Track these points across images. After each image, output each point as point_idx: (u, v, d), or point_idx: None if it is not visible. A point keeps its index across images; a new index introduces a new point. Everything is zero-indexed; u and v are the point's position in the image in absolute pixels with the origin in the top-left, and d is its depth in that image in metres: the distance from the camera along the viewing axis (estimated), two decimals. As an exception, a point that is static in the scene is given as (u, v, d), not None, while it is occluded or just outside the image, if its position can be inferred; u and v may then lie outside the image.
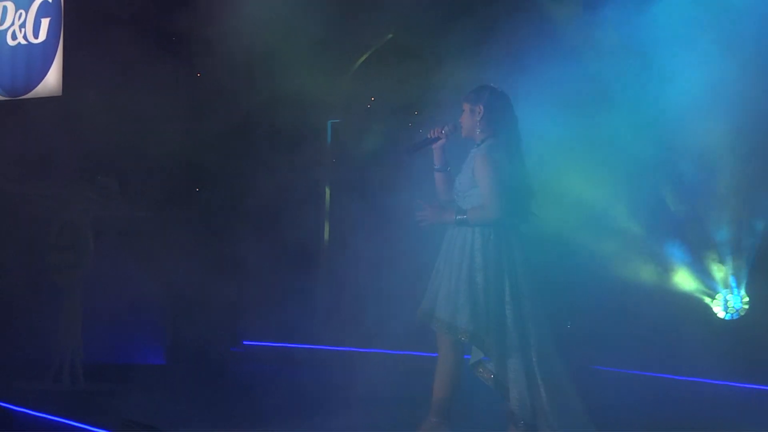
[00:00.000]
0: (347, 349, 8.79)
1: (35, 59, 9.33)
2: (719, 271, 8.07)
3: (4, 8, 9.53)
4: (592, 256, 7.82)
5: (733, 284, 8.04)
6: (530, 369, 4.84)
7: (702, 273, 8.10)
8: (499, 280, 4.88)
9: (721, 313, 8.10)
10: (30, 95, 9.30)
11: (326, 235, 9.61)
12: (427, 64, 8.53)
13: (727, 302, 8.08)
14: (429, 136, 5.11)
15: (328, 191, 9.68)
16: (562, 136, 7.38)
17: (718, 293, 8.10)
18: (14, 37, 9.45)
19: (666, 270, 8.15)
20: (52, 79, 9.21)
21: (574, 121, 7.37)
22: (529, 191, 5.05)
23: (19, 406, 6.40)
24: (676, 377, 7.64)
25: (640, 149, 7.58)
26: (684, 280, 8.13)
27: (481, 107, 5.00)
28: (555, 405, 4.83)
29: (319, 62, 8.45)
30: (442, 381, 4.98)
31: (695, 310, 8.07)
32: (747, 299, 8.07)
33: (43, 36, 9.30)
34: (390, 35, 9.21)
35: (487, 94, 5.03)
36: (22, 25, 9.38)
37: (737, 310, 8.06)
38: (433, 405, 5.00)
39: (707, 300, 8.13)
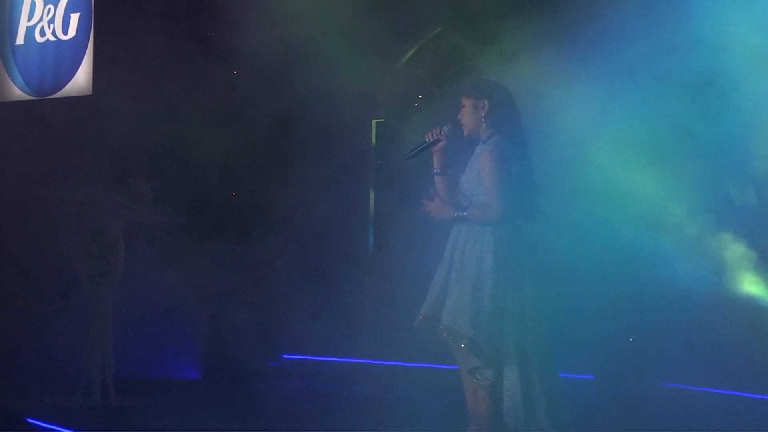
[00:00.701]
0: (394, 363, 8.72)
1: (64, 57, 9.38)
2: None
3: (32, 3, 9.59)
4: (655, 260, 7.70)
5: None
6: (530, 379, 4.81)
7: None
8: (506, 285, 4.85)
9: (800, 325, 7.91)
10: (59, 95, 9.36)
11: (371, 242, 9.56)
12: (478, 58, 8.45)
13: (807, 312, 7.89)
14: (427, 139, 5.06)
15: (372, 195, 9.62)
16: (620, 126, 7.32)
17: (796, 302, 7.91)
18: (43, 33, 9.50)
19: (738, 276, 7.97)
20: (81, 78, 9.25)
21: (635, 111, 7.28)
22: (536, 188, 5.04)
23: (47, 423, 6.41)
24: (752, 395, 7.48)
25: (707, 140, 7.44)
26: (758, 287, 7.94)
27: (486, 102, 4.95)
28: (552, 417, 4.80)
29: (363, 58, 8.37)
30: (471, 392, 4.94)
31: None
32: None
33: (72, 32, 9.34)
34: (438, 29, 9.14)
35: (491, 88, 5.01)
36: (51, 21, 9.43)
37: (818, 321, 7.87)
38: (470, 416, 4.98)
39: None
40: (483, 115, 4.94)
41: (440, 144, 5.04)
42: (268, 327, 9.10)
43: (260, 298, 8.93)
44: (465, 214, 4.90)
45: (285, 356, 9.30)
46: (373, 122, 9.63)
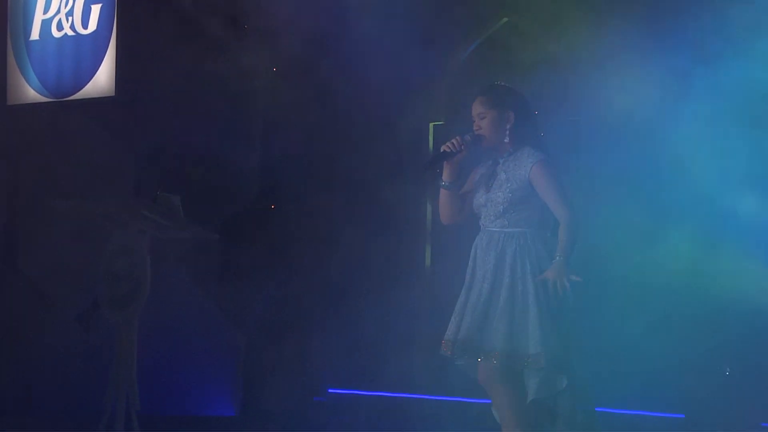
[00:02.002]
0: (454, 399, 8.65)
1: (84, 53, 9.42)
2: None
3: (49, -7, 9.66)
4: (755, 278, 7.55)
5: None
6: (565, 402, 5.10)
7: None
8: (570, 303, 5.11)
9: None
10: (78, 96, 9.41)
11: (428, 261, 9.49)
12: (550, 53, 8.37)
13: None
14: (447, 149, 5.26)
15: (429, 209, 9.55)
16: (711, 123, 7.29)
17: None
18: (60, 27, 9.55)
19: None
20: (103, 77, 9.29)
21: (728, 102, 7.20)
22: None
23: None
24: None
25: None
26: None
27: (512, 114, 5.20)
28: None
29: (419, 53, 8.39)
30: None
31: None
32: None
33: (93, 26, 9.39)
34: (505, 19, 9.07)
35: (515, 97, 5.26)
36: (70, 13, 9.48)
37: None
38: None
39: None
40: (508, 127, 5.19)
41: (460, 155, 5.25)
42: (311, 357, 9.09)
43: (303, 324, 8.89)
44: (565, 245, 5.05)
45: (330, 390, 9.27)
46: (431, 125, 9.58)
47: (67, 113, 9.38)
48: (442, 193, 5.37)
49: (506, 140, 5.20)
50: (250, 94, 9.03)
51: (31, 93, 9.70)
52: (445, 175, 5.31)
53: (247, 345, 8.92)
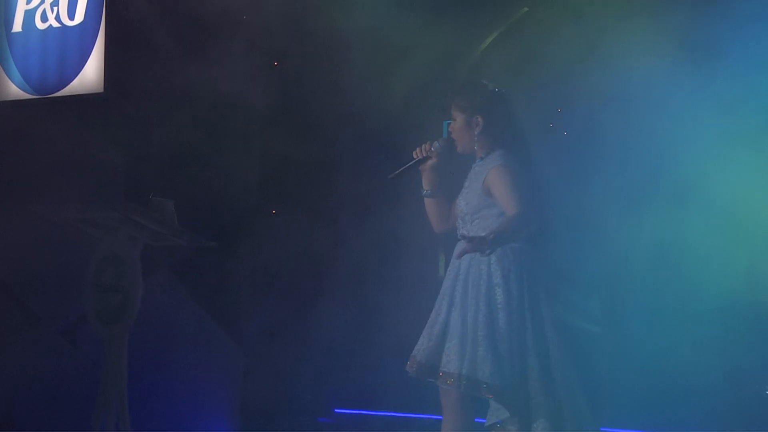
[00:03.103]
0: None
1: (70, 47, 9.43)
2: None
3: (32, -18, 9.66)
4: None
5: None
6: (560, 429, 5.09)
7: None
8: (521, 321, 5.12)
9: None
10: (63, 92, 9.43)
11: (441, 270, 9.44)
12: (574, 45, 8.31)
13: None
14: (415, 156, 5.43)
15: (443, 212, 9.53)
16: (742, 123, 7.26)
17: None
18: (44, 18, 9.55)
19: None
20: (90, 72, 9.28)
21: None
22: (547, 207, 5.34)
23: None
24: None
25: None
26: None
27: (480, 119, 5.31)
28: None
29: (431, 47, 8.35)
30: None
31: None
32: None
33: (80, 17, 9.39)
34: (525, 9, 9.02)
35: (485, 101, 5.34)
36: (55, 3, 9.51)
37: None
38: None
39: None
40: (476, 132, 5.32)
41: (430, 162, 5.40)
42: (315, 375, 9.06)
43: (306, 339, 8.84)
44: (492, 236, 4.94)
45: (336, 411, 9.25)
46: (444, 123, 9.50)
47: (51, 111, 9.37)
48: (426, 201, 5.51)
49: (477, 147, 5.32)
50: (248, 91, 8.98)
51: (13, 89, 9.69)
52: (424, 183, 5.46)
53: (246, 362, 8.88)
